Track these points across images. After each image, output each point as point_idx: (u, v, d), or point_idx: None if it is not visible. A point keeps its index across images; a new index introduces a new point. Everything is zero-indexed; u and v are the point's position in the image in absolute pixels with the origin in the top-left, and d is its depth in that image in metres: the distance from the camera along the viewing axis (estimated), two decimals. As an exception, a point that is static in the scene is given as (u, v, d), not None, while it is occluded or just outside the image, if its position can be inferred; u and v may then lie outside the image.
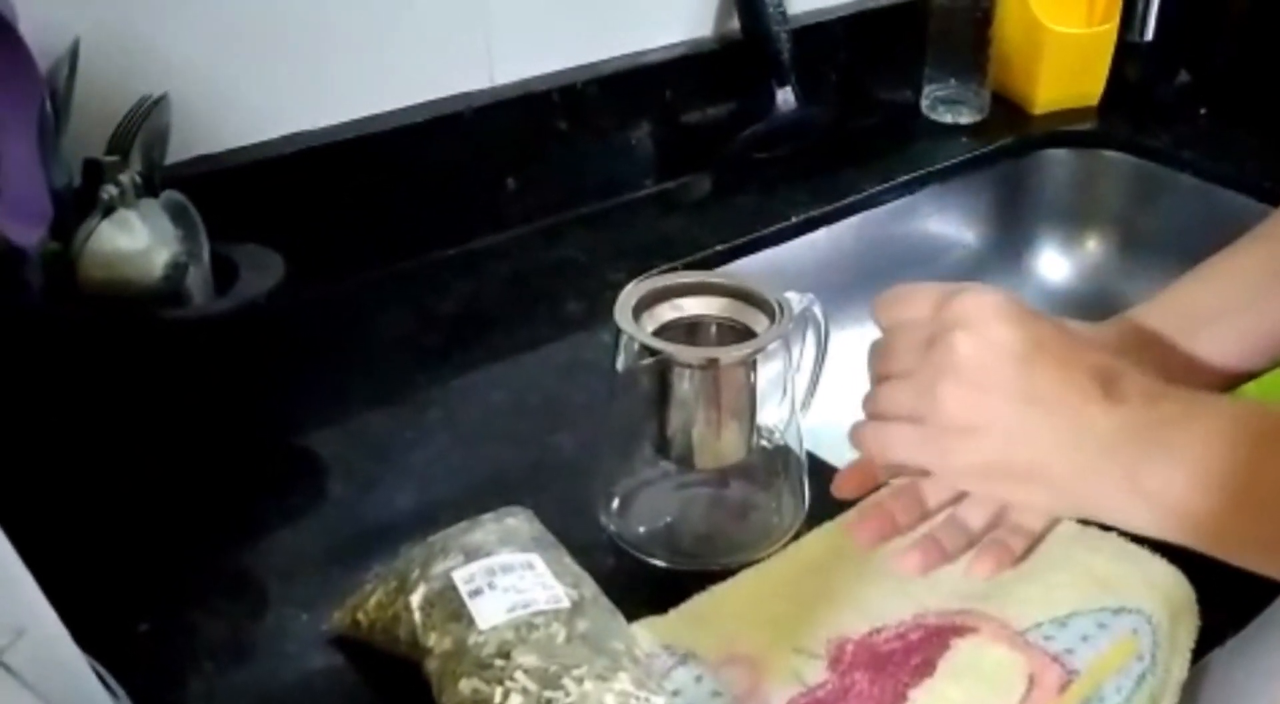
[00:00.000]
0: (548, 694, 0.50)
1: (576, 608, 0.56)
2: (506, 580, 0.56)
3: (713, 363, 0.66)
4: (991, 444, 0.52)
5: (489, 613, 0.55)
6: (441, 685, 0.54)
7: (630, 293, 0.67)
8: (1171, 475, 0.49)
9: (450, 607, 0.56)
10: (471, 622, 0.54)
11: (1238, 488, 0.48)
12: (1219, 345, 0.67)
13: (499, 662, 0.52)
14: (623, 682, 0.51)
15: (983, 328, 0.52)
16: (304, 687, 0.61)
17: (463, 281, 0.96)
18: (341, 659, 0.62)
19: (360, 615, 0.61)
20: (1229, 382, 0.68)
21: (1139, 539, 0.66)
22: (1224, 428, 0.49)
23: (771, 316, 0.66)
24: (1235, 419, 0.50)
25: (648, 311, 0.67)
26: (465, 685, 0.52)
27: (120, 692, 0.47)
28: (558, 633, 0.54)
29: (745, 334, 0.67)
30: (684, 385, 0.66)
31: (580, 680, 0.51)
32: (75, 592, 0.46)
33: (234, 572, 0.69)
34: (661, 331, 0.67)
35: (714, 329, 0.69)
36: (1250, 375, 0.68)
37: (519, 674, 0.51)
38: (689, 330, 0.69)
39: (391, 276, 0.96)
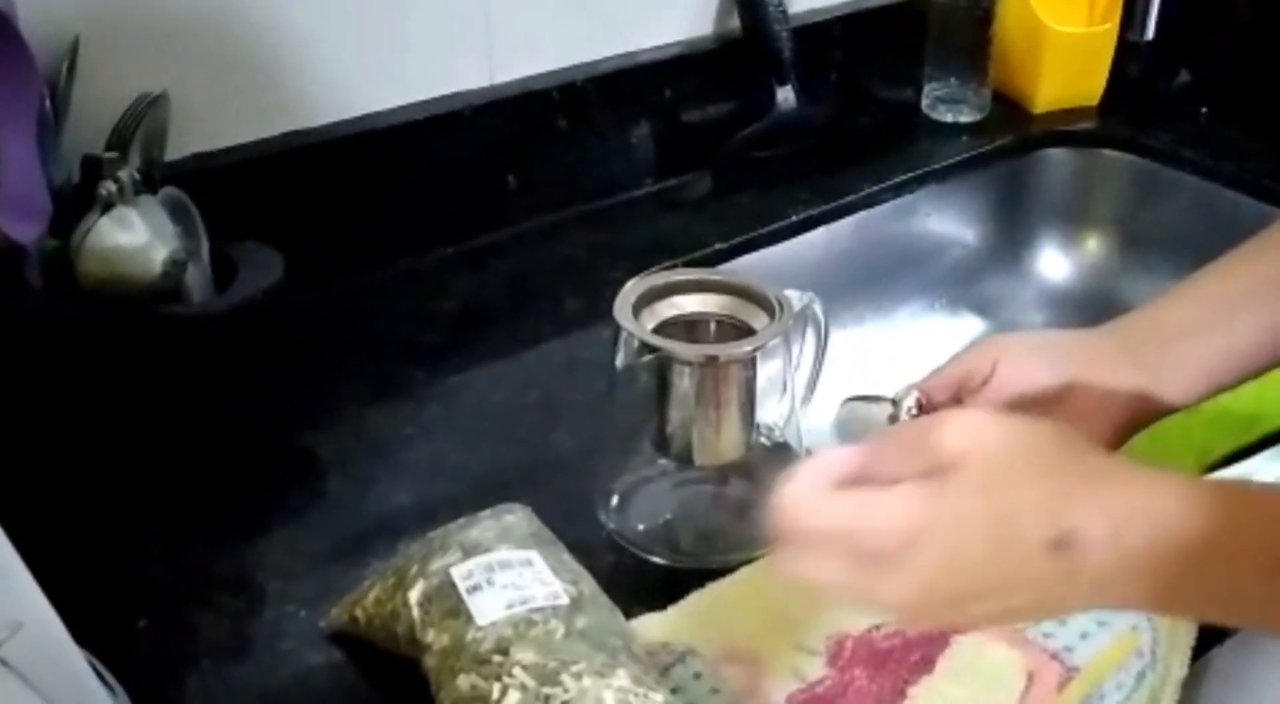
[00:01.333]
0: (546, 690, 0.50)
1: (575, 604, 0.56)
2: (505, 577, 0.56)
3: (712, 360, 0.66)
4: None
5: (487, 609, 0.55)
6: (439, 682, 0.54)
7: (630, 290, 0.67)
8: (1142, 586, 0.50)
9: (448, 603, 0.56)
10: (470, 618, 0.54)
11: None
12: (1190, 361, 0.68)
13: (497, 658, 0.52)
14: (621, 678, 0.51)
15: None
16: (302, 683, 0.61)
17: (462, 279, 0.96)
18: (340, 656, 0.62)
19: (358, 612, 0.61)
20: (1200, 395, 0.69)
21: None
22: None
23: (771, 314, 0.66)
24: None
25: (648, 309, 0.67)
26: (463, 681, 0.52)
27: (118, 688, 0.47)
28: (556, 629, 0.54)
29: (745, 332, 0.67)
30: (683, 382, 0.65)
31: (579, 677, 0.51)
32: (73, 588, 0.46)
33: (232, 568, 0.69)
34: (661, 329, 0.67)
35: (714, 327, 0.69)
36: (1220, 390, 0.69)
37: (517, 670, 0.51)
38: (688, 328, 0.69)
39: (391, 275, 0.96)
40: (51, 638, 0.40)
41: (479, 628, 0.54)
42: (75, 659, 0.41)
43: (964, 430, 0.51)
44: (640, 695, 0.51)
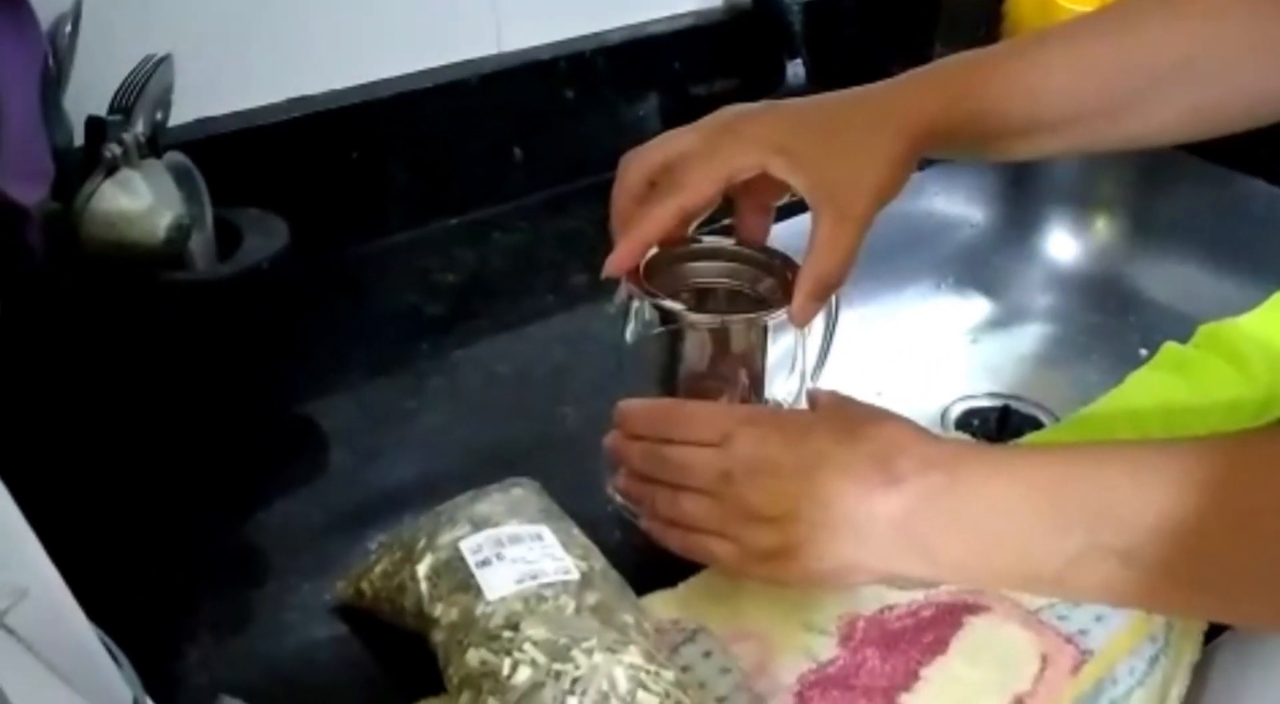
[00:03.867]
0: (557, 666, 0.50)
1: (586, 580, 0.55)
2: (515, 551, 0.56)
3: (723, 328, 0.65)
4: (798, 542, 0.56)
5: (497, 584, 0.54)
6: (448, 656, 0.53)
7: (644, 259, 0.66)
8: (953, 541, 0.54)
9: (457, 577, 0.55)
10: (479, 592, 0.53)
11: (1011, 541, 0.54)
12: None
13: (507, 633, 0.51)
14: (633, 655, 0.51)
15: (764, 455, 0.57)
16: (306, 656, 0.60)
17: (466, 251, 0.95)
18: (345, 629, 0.61)
19: (364, 585, 0.60)
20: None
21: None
22: (989, 486, 0.54)
23: (785, 285, 0.65)
24: (999, 470, 0.55)
25: (659, 275, 0.66)
26: (473, 656, 0.51)
27: (123, 658, 0.46)
28: (567, 605, 0.53)
29: (757, 302, 0.66)
30: (694, 351, 0.65)
31: (590, 653, 0.50)
32: (75, 558, 0.46)
33: (235, 540, 0.68)
34: (671, 298, 0.66)
35: (725, 296, 0.68)
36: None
37: (528, 646, 0.51)
38: (699, 297, 0.68)
39: (394, 245, 0.95)
40: (57, 606, 0.39)
41: (488, 603, 0.53)
42: (82, 628, 0.41)
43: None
44: (652, 673, 0.50)
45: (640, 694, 0.49)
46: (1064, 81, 0.67)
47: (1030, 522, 0.53)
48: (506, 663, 0.50)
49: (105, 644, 0.43)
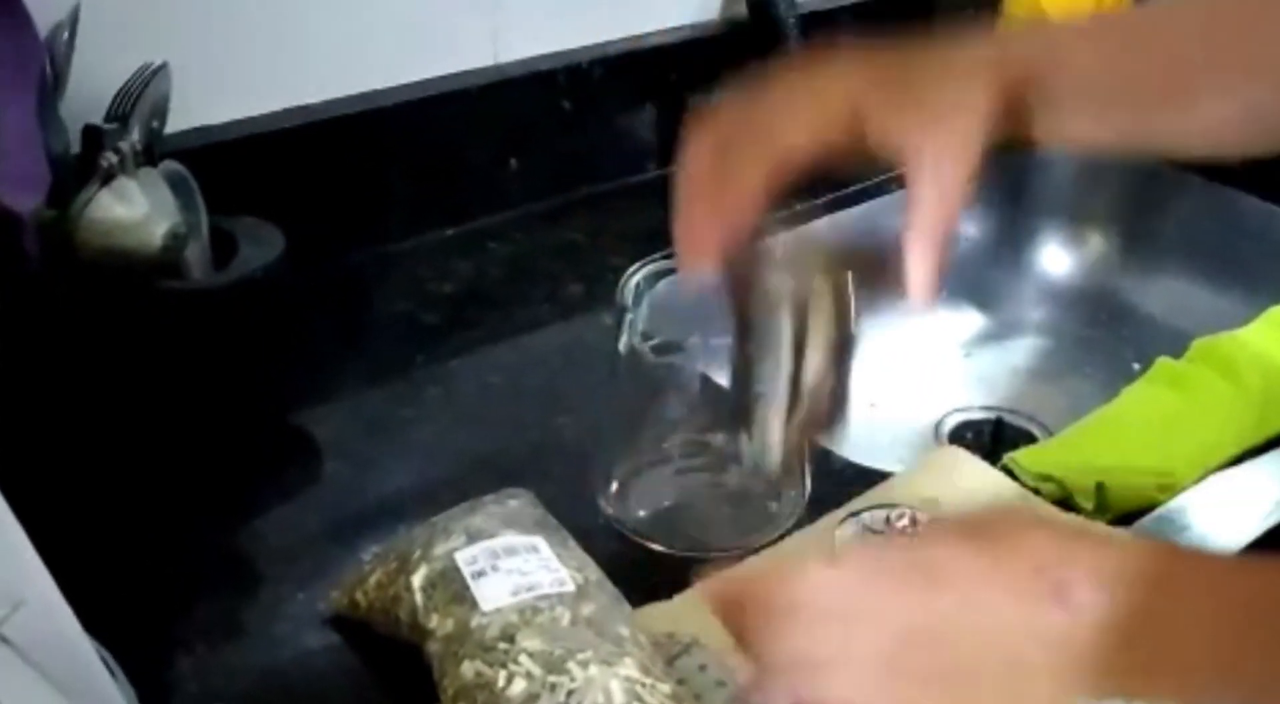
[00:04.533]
0: (552, 679, 0.50)
1: (581, 592, 0.55)
2: (510, 563, 0.56)
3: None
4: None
5: (492, 595, 0.54)
6: (443, 668, 0.53)
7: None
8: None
9: (453, 588, 0.55)
10: (475, 604, 0.54)
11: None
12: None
13: (502, 645, 0.51)
14: (628, 667, 0.51)
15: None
16: (301, 666, 0.60)
17: (463, 261, 0.95)
18: (338, 639, 0.61)
19: (359, 595, 0.60)
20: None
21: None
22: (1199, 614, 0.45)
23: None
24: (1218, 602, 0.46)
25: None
26: (468, 668, 0.51)
27: (118, 670, 0.46)
28: (562, 616, 0.53)
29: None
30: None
31: (585, 665, 0.50)
32: (70, 568, 0.45)
33: (230, 549, 0.68)
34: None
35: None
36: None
37: (523, 658, 0.51)
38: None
39: (390, 255, 0.95)
40: (53, 616, 0.40)
41: (484, 614, 0.53)
42: (78, 639, 0.41)
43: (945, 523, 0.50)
44: (648, 686, 0.50)
45: None
46: (1140, 63, 0.60)
47: None
48: (502, 675, 0.50)
49: (100, 654, 0.43)
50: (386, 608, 0.58)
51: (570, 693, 0.49)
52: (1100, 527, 0.52)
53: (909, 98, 0.56)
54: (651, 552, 0.67)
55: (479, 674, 0.51)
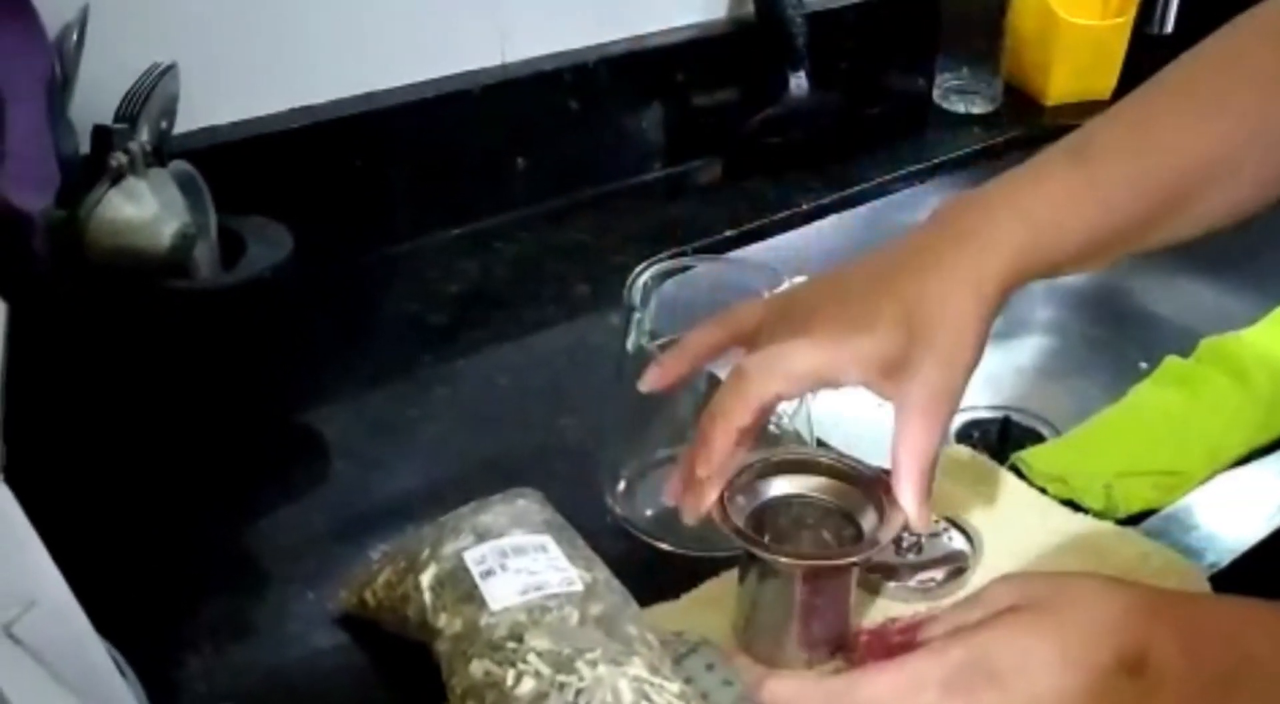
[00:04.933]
0: (561, 678, 0.50)
1: (589, 591, 0.55)
2: (519, 562, 0.56)
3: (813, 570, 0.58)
4: None
5: (501, 594, 0.54)
6: (452, 667, 0.53)
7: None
8: None
9: (462, 587, 0.55)
10: (483, 603, 0.54)
11: None
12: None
13: (511, 644, 0.51)
14: (637, 667, 0.51)
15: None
16: (309, 665, 0.60)
17: (469, 261, 0.95)
18: (347, 638, 0.62)
19: (368, 595, 0.60)
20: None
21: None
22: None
23: (878, 505, 0.58)
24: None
25: (742, 493, 0.59)
26: (476, 667, 0.51)
27: (128, 670, 0.46)
28: (570, 616, 0.53)
29: (847, 520, 0.59)
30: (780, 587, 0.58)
31: (594, 664, 0.50)
32: (80, 567, 0.46)
33: (237, 549, 0.68)
34: (756, 513, 0.59)
35: (814, 515, 0.61)
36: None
37: (531, 657, 0.51)
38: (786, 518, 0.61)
39: (396, 255, 0.95)
40: (64, 616, 0.40)
41: (492, 613, 0.53)
42: (89, 639, 0.41)
43: (1008, 583, 0.51)
44: (656, 685, 0.50)
45: None
46: (1125, 196, 0.60)
47: None
48: (510, 674, 0.50)
49: (110, 654, 0.43)
50: (395, 607, 0.58)
51: (579, 692, 0.49)
52: (1173, 593, 0.52)
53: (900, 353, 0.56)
54: (659, 551, 0.67)
55: (488, 673, 0.51)
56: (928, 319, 0.56)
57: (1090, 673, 0.45)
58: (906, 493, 0.56)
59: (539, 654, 0.51)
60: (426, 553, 0.57)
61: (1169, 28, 1.14)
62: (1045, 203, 0.58)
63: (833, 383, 0.57)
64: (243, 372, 0.76)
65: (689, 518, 0.58)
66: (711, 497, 0.57)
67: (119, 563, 0.66)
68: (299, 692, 0.59)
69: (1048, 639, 0.47)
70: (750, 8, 1.07)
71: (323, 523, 0.70)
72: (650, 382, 0.62)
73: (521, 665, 0.50)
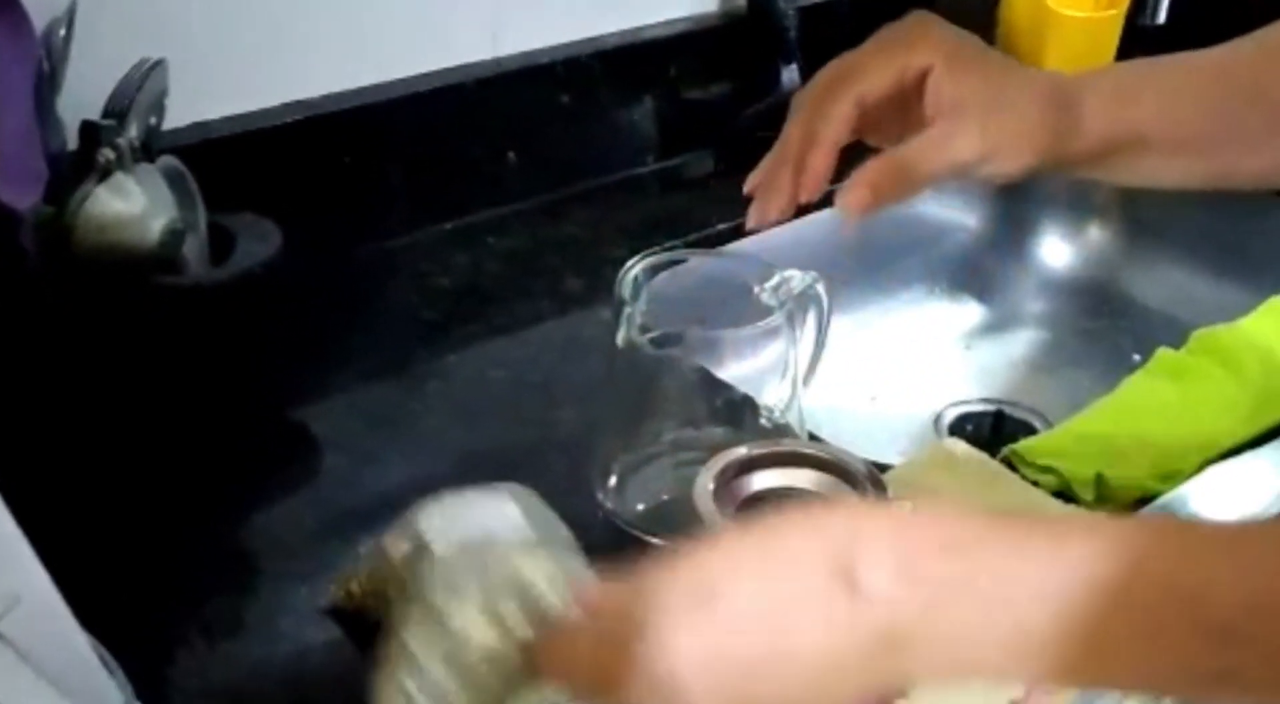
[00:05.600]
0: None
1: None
2: (476, 518, 0.56)
3: None
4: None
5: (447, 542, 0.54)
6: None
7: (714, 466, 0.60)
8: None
9: (423, 556, 0.55)
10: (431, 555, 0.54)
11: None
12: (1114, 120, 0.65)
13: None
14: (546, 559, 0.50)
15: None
16: (300, 660, 0.60)
17: (461, 256, 0.95)
18: (338, 634, 0.61)
19: (353, 586, 0.60)
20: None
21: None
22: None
23: (865, 495, 0.58)
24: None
25: (728, 486, 0.60)
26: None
27: (115, 667, 0.46)
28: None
29: None
30: None
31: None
32: (67, 564, 0.46)
33: (228, 545, 0.68)
34: (744, 507, 0.59)
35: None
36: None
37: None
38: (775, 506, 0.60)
39: (388, 250, 0.95)
40: (50, 613, 0.40)
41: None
42: (75, 636, 0.41)
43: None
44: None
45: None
46: (1205, 106, 0.65)
47: None
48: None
49: (97, 650, 0.43)
50: (376, 589, 0.58)
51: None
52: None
53: (977, 81, 0.64)
54: (650, 545, 0.67)
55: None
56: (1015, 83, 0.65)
57: (795, 583, 0.43)
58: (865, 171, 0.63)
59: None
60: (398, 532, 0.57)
61: (1161, 19, 1.14)
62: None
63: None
64: (233, 367, 0.76)
65: (752, 221, 0.68)
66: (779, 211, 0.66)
67: (108, 559, 0.65)
68: (290, 687, 0.59)
69: (753, 549, 0.44)
70: (742, 1, 1.07)
71: (314, 518, 0.70)
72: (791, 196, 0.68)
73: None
